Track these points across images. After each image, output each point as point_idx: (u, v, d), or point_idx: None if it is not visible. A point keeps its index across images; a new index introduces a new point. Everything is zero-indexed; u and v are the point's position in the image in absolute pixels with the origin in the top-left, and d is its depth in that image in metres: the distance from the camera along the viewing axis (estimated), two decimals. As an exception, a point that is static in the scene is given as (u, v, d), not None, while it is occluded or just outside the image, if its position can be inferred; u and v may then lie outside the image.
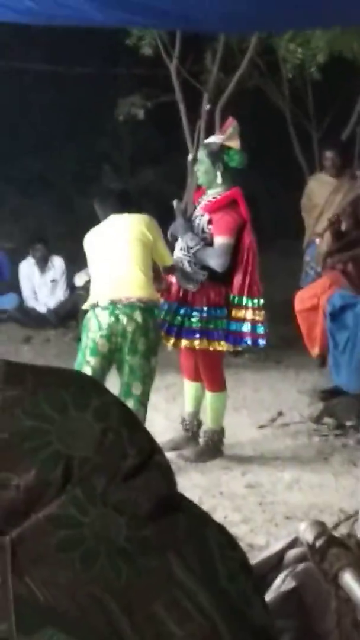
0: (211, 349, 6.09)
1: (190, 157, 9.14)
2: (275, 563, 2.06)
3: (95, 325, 5.75)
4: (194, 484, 5.79)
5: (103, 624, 1.31)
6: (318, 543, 1.65)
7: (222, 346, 6.13)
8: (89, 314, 5.83)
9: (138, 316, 5.75)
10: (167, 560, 1.39)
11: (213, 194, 6.18)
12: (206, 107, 9.78)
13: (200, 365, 6.20)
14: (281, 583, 1.86)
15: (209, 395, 6.27)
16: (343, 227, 7.80)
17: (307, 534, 1.68)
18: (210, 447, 6.27)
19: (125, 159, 14.81)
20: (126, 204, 6.13)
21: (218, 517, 5.42)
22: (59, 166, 14.29)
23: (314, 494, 5.81)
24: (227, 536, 1.53)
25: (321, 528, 1.68)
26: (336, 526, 1.71)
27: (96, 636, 1.31)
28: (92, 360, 5.76)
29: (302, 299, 7.73)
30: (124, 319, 5.73)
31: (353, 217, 7.73)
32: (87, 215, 13.68)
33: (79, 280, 10.62)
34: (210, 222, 6.10)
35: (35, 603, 1.31)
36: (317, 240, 8.89)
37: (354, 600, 1.57)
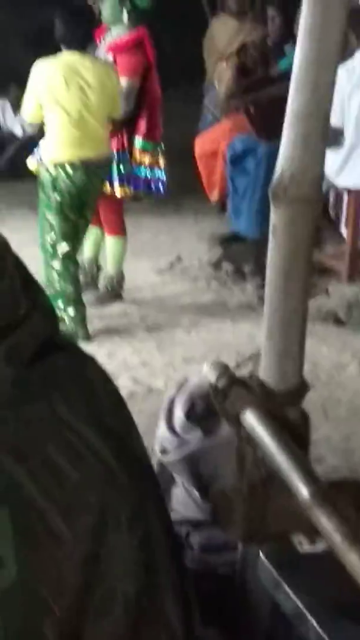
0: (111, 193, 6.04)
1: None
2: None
3: (70, 185, 5.52)
4: (92, 328, 5.81)
5: None
6: (220, 383, 1.66)
7: (123, 191, 6.07)
8: (55, 172, 5.54)
9: (103, 173, 5.73)
10: (52, 404, 1.39)
11: (118, 33, 6.01)
12: None
13: (101, 209, 6.13)
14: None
15: (108, 239, 6.24)
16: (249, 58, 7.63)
17: (210, 375, 1.69)
18: (110, 292, 6.28)
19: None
20: (88, 38, 5.71)
21: (117, 360, 5.47)
22: None
23: (212, 337, 5.89)
24: (102, 369, 1.54)
25: (223, 369, 1.69)
26: (237, 367, 1.72)
27: None
28: (71, 215, 5.61)
29: (202, 144, 7.65)
30: (93, 178, 5.61)
31: (258, 53, 7.58)
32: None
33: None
34: (114, 62, 5.94)
35: None
36: (216, 84, 8.75)
37: (254, 438, 1.60)
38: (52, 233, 5.58)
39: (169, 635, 1.46)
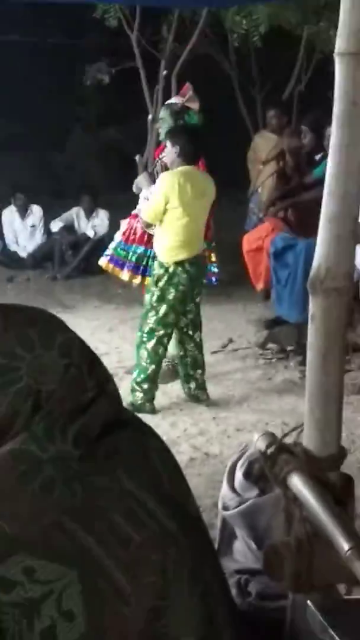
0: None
1: (150, 117, 9.00)
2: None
3: (186, 279, 5.65)
4: (157, 402, 5.81)
5: (69, 544, 1.30)
6: (269, 451, 1.66)
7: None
8: (175, 269, 5.63)
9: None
10: (116, 476, 1.38)
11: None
12: (163, 72, 9.62)
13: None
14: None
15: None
16: (287, 165, 7.71)
17: (260, 443, 1.69)
18: (171, 370, 6.28)
19: (93, 119, 14.58)
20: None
21: (179, 430, 5.46)
22: (35, 127, 14.02)
23: (261, 409, 5.86)
24: (162, 440, 1.54)
25: (272, 438, 1.69)
26: (284, 436, 1.71)
27: (64, 556, 1.29)
28: (180, 308, 5.76)
29: (248, 241, 7.73)
30: (204, 269, 5.89)
31: (294, 162, 7.67)
32: (59, 169, 13.35)
33: (55, 226, 10.53)
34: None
35: (2, 534, 1.28)
36: (259, 190, 8.90)
37: (300, 499, 1.58)
38: (156, 320, 5.66)
39: None
